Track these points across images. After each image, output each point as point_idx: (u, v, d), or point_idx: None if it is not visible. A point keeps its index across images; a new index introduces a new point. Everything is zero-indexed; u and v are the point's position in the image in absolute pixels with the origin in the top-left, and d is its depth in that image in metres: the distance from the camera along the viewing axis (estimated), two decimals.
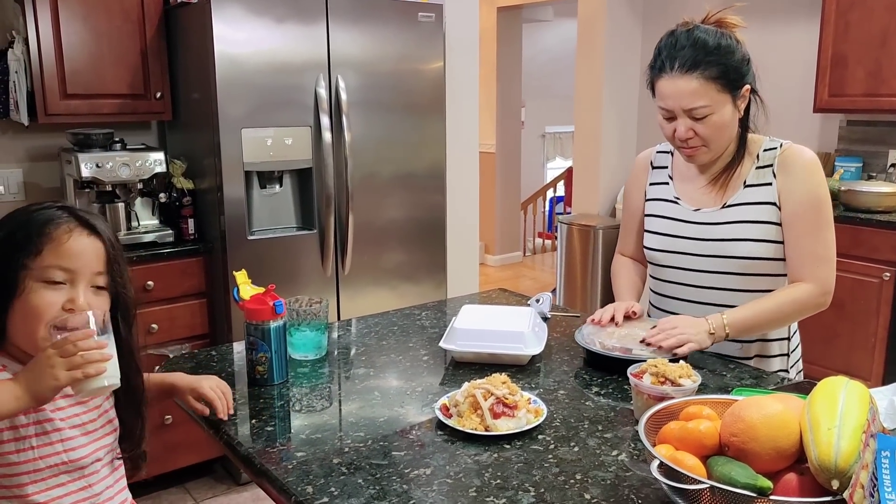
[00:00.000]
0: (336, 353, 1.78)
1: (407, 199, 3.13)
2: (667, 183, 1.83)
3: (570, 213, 5.75)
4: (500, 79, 6.57)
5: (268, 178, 2.87)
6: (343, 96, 2.85)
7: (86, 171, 2.64)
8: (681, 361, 1.44)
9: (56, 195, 2.95)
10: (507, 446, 1.30)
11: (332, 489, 1.16)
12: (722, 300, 1.71)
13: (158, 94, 2.91)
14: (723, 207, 1.69)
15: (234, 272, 1.59)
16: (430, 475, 1.20)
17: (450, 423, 1.36)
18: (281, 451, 1.30)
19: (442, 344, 1.68)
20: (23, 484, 1.14)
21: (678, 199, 1.78)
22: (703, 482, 0.97)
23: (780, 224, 1.63)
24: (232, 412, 1.40)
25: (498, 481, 1.18)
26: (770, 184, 1.65)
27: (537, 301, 2.01)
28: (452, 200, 3.42)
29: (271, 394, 1.53)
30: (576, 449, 1.29)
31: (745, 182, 1.68)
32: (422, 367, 1.68)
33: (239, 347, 1.78)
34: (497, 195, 6.70)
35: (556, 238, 7.47)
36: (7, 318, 1.13)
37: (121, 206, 2.79)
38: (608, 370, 1.62)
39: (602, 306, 1.80)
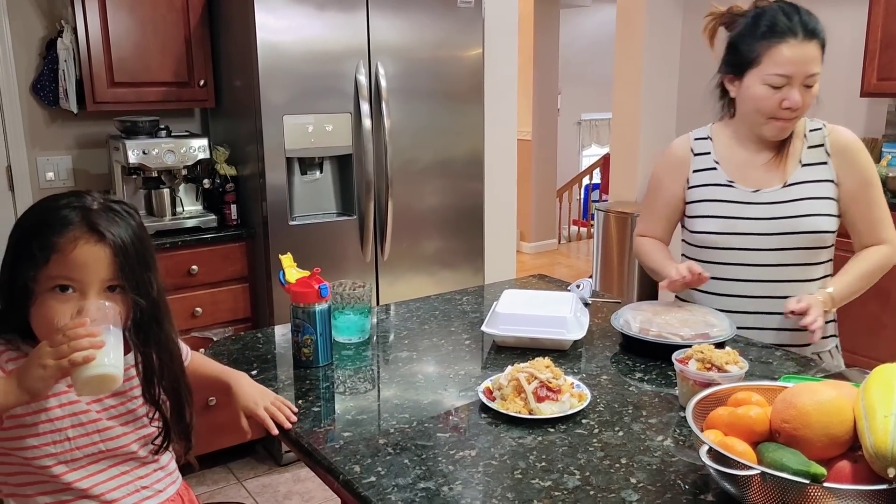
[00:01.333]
0: (379, 336, 1.80)
1: (445, 186, 3.13)
2: (714, 168, 1.82)
3: (606, 200, 5.70)
4: (537, 65, 6.52)
5: (308, 164, 2.90)
6: (383, 83, 2.86)
7: (133, 158, 2.69)
8: (727, 347, 1.43)
9: (104, 182, 3.01)
10: (551, 430, 1.30)
11: (379, 469, 1.18)
12: (784, 276, 1.73)
13: (202, 82, 2.95)
14: (784, 186, 1.73)
15: (279, 255, 1.62)
16: (475, 457, 1.22)
17: (493, 406, 1.37)
18: (327, 432, 1.33)
19: (484, 328, 1.69)
20: (63, 472, 1.16)
21: (732, 182, 1.78)
22: (755, 468, 0.97)
23: (837, 200, 1.73)
24: (294, 421, 1.35)
25: (543, 464, 1.19)
26: (825, 163, 1.74)
27: (578, 287, 2.00)
28: (490, 188, 3.41)
29: (316, 376, 1.56)
30: (620, 434, 1.29)
31: (800, 161, 1.74)
32: (464, 351, 1.69)
33: (283, 330, 1.82)
34: (533, 183, 6.67)
35: (591, 226, 7.42)
36: (30, 322, 1.14)
37: (166, 192, 2.84)
38: (650, 355, 1.61)
39: (639, 295, 1.80)
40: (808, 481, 0.93)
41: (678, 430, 1.30)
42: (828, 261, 1.78)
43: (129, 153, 2.69)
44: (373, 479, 1.15)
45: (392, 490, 1.12)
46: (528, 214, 6.68)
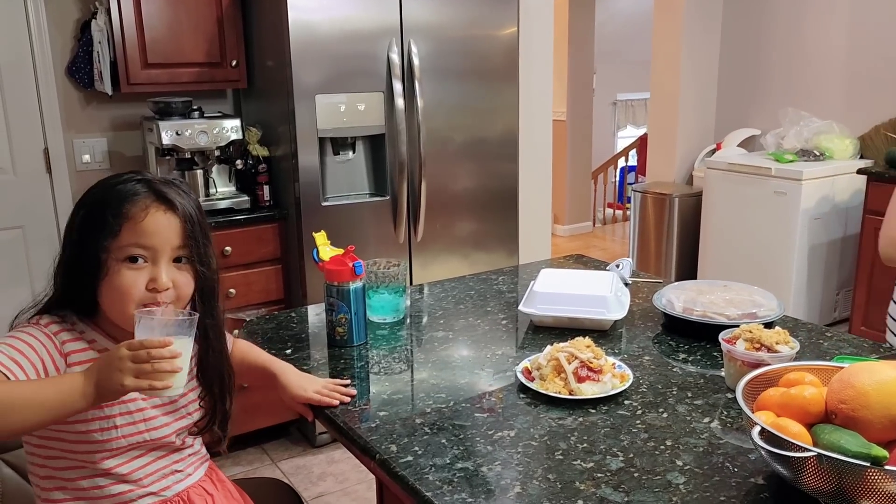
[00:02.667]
0: (413, 316, 1.77)
1: (479, 167, 3.09)
2: None
3: (643, 181, 5.59)
4: (572, 44, 6.41)
5: (341, 144, 2.87)
6: (415, 62, 2.81)
7: (166, 139, 2.69)
8: (776, 327, 1.37)
9: (139, 163, 3.03)
10: (592, 411, 1.26)
11: (416, 448, 1.16)
12: None
13: (234, 62, 2.94)
14: None
15: (313, 233, 1.59)
16: (515, 437, 1.18)
17: (532, 386, 1.33)
18: (363, 411, 1.30)
19: (521, 308, 1.65)
20: (103, 458, 1.16)
21: None
22: (811, 450, 0.92)
23: None
24: (353, 395, 1.33)
25: (584, 445, 1.15)
26: None
27: (617, 266, 1.95)
28: (525, 169, 3.35)
29: (351, 355, 1.53)
30: (664, 415, 1.24)
31: None
32: (500, 331, 1.65)
33: (317, 310, 1.80)
34: (567, 164, 6.57)
35: (627, 208, 7.30)
36: (99, 296, 1.13)
37: (199, 173, 2.84)
38: (694, 336, 1.56)
39: (677, 279, 1.73)
40: (868, 464, 0.88)
41: (725, 412, 1.25)
42: None
43: (163, 134, 2.69)
44: (410, 458, 1.13)
45: (430, 470, 1.09)
46: (563, 196, 6.60)
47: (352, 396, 1.33)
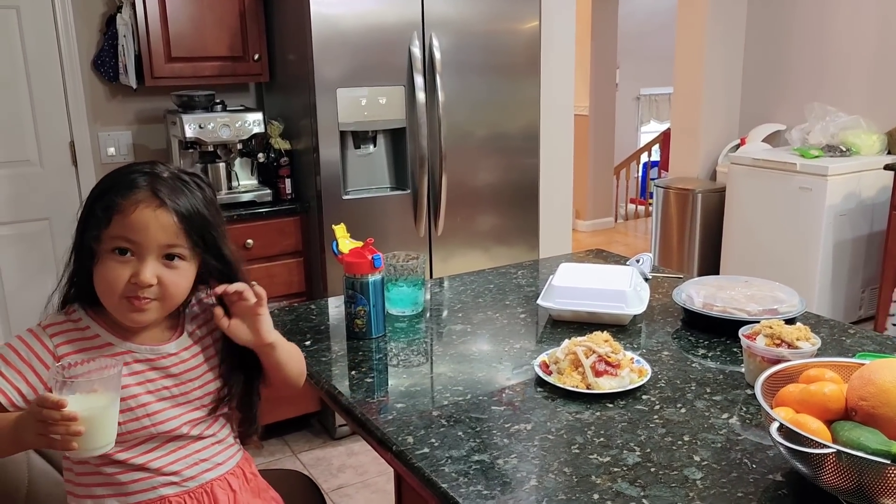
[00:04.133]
0: (432, 309, 1.77)
1: (500, 161, 3.08)
2: None
3: (665, 177, 5.55)
4: (595, 39, 6.36)
5: (362, 138, 2.88)
6: (437, 56, 2.81)
7: (189, 132, 2.72)
8: (797, 323, 1.36)
9: (162, 156, 3.06)
10: (610, 405, 1.26)
11: (433, 440, 1.16)
12: None
13: (256, 56, 2.96)
14: None
15: (333, 226, 1.60)
16: (531, 431, 1.18)
17: (550, 380, 1.33)
18: (380, 403, 1.31)
19: (539, 301, 1.65)
20: (115, 452, 1.13)
21: None
22: (830, 446, 0.91)
23: None
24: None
25: (601, 439, 1.15)
26: None
27: (637, 261, 1.94)
28: (546, 163, 3.34)
29: (369, 347, 1.54)
30: (682, 410, 1.24)
31: None
32: (519, 325, 1.65)
33: (337, 302, 1.81)
34: (589, 159, 6.54)
35: (648, 204, 7.24)
36: (93, 283, 1.14)
37: (221, 166, 2.87)
38: (714, 332, 1.55)
39: (699, 274, 1.72)
40: (888, 461, 0.87)
41: (744, 408, 1.24)
42: None
43: (186, 127, 2.72)
44: (426, 450, 1.13)
45: (446, 462, 1.10)
46: (585, 191, 6.56)
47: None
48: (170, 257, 1.14)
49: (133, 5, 2.74)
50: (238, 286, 1.18)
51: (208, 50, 2.87)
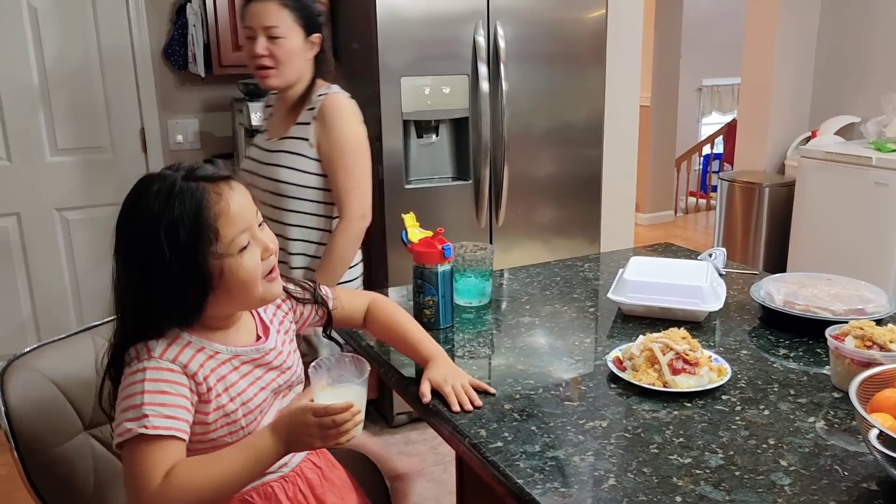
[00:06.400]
0: (499, 301, 1.75)
1: (562, 152, 3.03)
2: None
3: (729, 170, 5.39)
4: (658, 28, 6.21)
5: (425, 127, 2.87)
6: (501, 45, 2.77)
7: (255, 120, 2.75)
8: (889, 324, 1.29)
9: (228, 144, 3.11)
10: (688, 404, 1.22)
11: (506, 434, 1.14)
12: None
13: None
14: (279, 139, 2.02)
15: (402, 215, 1.59)
16: (607, 428, 1.15)
17: (624, 376, 1.29)
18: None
19: (610, 295, 1.61)
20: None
21: (261, 130, 2.16)
22: None
23: (315, 160, 1.96)
24: (478, 406, 1.23)
25: (681, 440, 1.11)
26: (308, 123, 1.96)
27: (710, 256, 1.88)
28: (609, 155, 3.28)
29: (437, 337, 1.52)
30: (766, 412, 1.19)
31: (297, 121, 1.99)
32: (588, 319, 1.62)
33: (402, 291, 1.80)
34: (650, 151, 6.40)
35: (710, 197, 7.06)
36: (207, 302, 1.09)
37: None
38: (795, 331, 1.49)
39: (765, 270, 1.66)
40: None
41: (832, 412, 1.19)
42: (299, 226, 1.99)
43: (252, 115, 2.75)
44: (499, 444, 1.11)
45: (520, 457, 1.08)
46: (644, 184, 6.43)
47: (477, 407, 1.22)
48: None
49: None
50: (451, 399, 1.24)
51: None
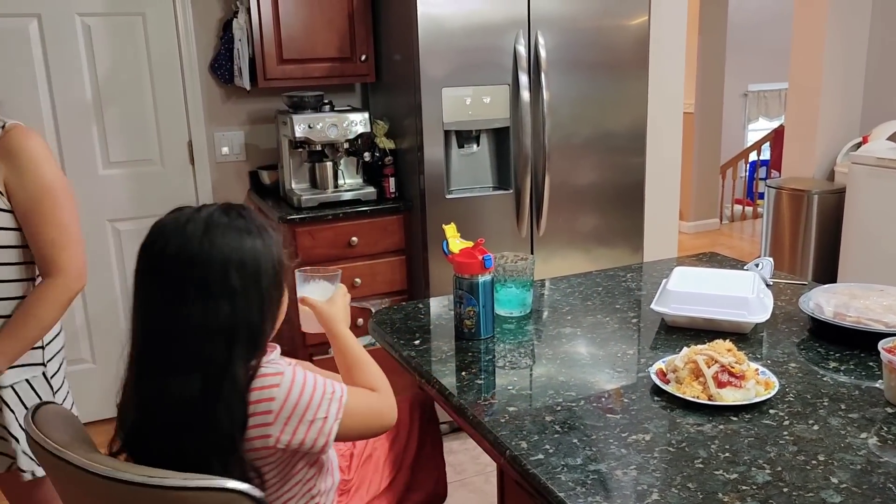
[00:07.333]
0: (540, 311, 1.74)
1: (604, 161, 3.01)
2: None
3: (776, 177, 5.28)
4: (703, 32, 6.13)
5: (465, 137, 2.87)
6: (542, 54, 2.77)
7: (299, 132, 2.80)
8: None
9: (272, 156, 3.16)
10: (734, 418, 1.20)
11: (547, 446, 1.14)
12: None
13: (363, 57, 3.00)
14: None
15: (443, 225, 1.60)
16: (650, 442, 1.14)
17: (667, 388, 1.28)
18: (491, 405, 1.30)
19: (654, 306, 1.59)
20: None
21: None
22: None
23: (11, 212, 1.49)
24: None
25: (726, 455, 1.09)
26: None
27: (757, 266, 1.84)
28: (652, 163, 3.24)
29: (478, 348, 1.53)
30: (815, 427, 1.16)
31: None
32: (630, 329, 1.60)
33: (443, 302, 1.81)
34: (694, 158, 6.31)
35: (756, 205, 6.91)
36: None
37: (329, 164, 2.93)
38: (846, 343, 1.45)
39: (814, 281, 1.61)
40: None
41: (885, 428, 1.15)
42: (13, 280, 1.52)
43: (296, 127, 2.79)
44: (540, 456, 1.11)
45: (561, 470, 1.07)
46: (688, 192, 6.33)
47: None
48: None
49: (248, 10, 2.83)
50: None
51: (317, 52, 2.93)
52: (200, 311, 1.06)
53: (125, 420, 1.12)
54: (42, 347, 1.61)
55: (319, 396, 1.13)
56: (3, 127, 1.50)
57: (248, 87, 2.94)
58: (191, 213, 1.12)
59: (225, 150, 3.16)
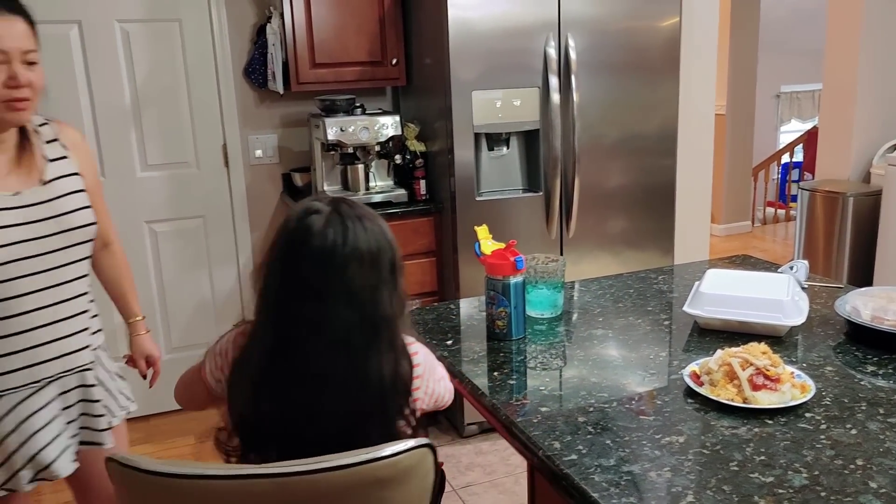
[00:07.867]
0: (571, 312, 1.75)
1: (635, 163, 3.00)
2: None
3: (809, 179, 5.20)
4: (734, 33, 6.06)
5: (495, 139, 2.89)
6: (572, 56, 2.77)
7: (331, 135, 2.83)
8: None
9: (305, 158, 3.20)
10: (769, 422, 1.19)
11: (580, 447, 1.14)
12: (72, 274, 1.59)
13: (394, 61, 3.03)
14: (43, 184, 1.54)
15: (475, 227, 1.61)
16: (684, 444, 1.14)
17: (701, 391, 1.27)
18: (524, 405, 1.30)
19: (686, 308, 1.58)
20: None
21: None
22: None
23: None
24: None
25: (762, 458, 1.09)
26: (66, 157, 1.61)
27: (791, 269, 1.82)
28: (683, 165, 3.22)
29: (510, 349, 1.54)
30: (853, 432, 1.15)
31: (46, 157, 1.57)
32: (663, 332, 1.60)
33: (474, 302, 1.82)
34: (726, 160, 6.24)
35: (789, 208, 6.82)
36: None
37: (360, 167, 2.96)
38: (884, 347, 1.43)
39: (850, 283, 1.60)
40: None
41: None
42: (84, 276, 1.64)
43: (328, 130, 2.82)
44: (574, 457, 1.11)
45: (595, 470, 1.07)
46: (720, 194, 6.27)
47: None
48: None
49: (282, 15, 2.88)
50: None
51: (349, 55, 2.97)
52: (371, 296, 1.16)
53: (254, 415, 1.16)
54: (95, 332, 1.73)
55: (431, 358, 1.28)
56: (49, 123, 1.63)
57: (281, 91, 2.98)
58: (327, 212, 1.19)
59: (258, 152, 3.21)
